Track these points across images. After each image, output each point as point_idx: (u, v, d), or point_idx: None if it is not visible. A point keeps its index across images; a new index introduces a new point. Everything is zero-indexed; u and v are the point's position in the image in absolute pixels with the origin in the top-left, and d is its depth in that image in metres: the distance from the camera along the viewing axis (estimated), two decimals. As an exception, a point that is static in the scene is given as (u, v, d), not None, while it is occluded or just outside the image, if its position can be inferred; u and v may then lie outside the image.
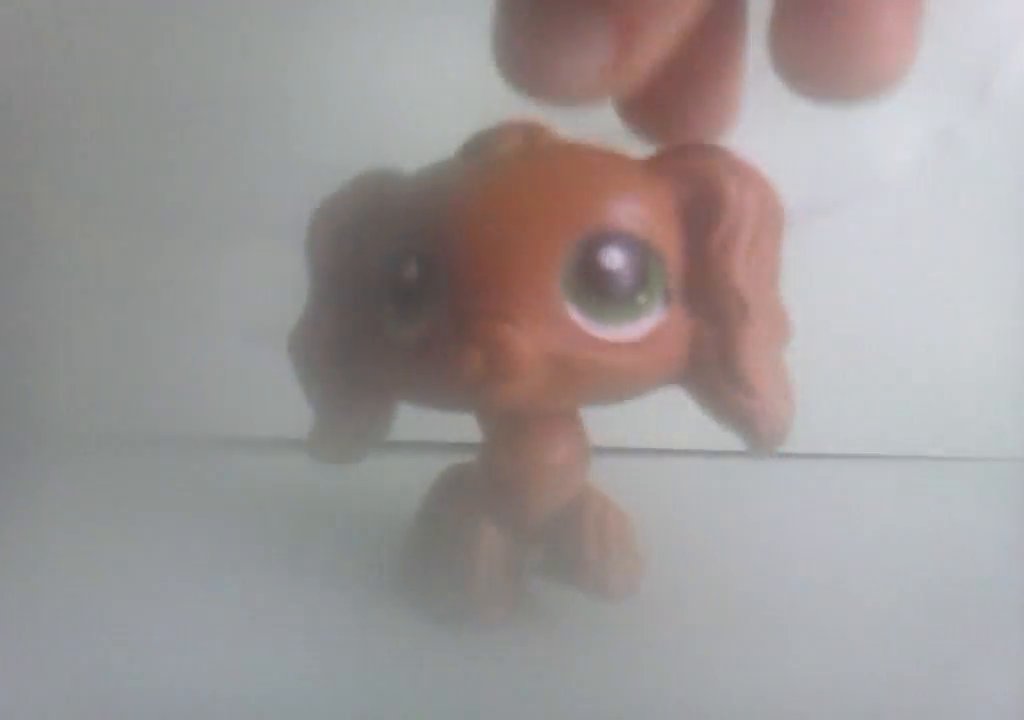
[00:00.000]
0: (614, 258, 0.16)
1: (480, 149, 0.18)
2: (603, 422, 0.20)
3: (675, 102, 0.18)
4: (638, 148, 0.18)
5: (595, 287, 0.16)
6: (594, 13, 0.13)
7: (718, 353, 0.17)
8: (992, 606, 0.23)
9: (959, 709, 0.19)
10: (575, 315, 0.16)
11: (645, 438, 0.34)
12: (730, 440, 0.19)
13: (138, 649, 0.20)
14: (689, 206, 0.18)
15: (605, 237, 0.16)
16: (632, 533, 0.22)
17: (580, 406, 0.19)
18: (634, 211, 0.17)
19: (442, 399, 0.18)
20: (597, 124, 0.18)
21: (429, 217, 0.18)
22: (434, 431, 0.30)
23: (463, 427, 0.21)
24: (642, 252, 0.17)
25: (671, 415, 0.22)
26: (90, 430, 0.35)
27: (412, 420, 0.21)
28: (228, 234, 0.33)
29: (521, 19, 0.14)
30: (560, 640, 0.21)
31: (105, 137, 0.33)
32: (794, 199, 0.18)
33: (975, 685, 0.20)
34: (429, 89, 0.31)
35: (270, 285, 0.22)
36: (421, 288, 0.17)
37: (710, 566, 0.25)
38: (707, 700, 0.19)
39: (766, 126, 0.32)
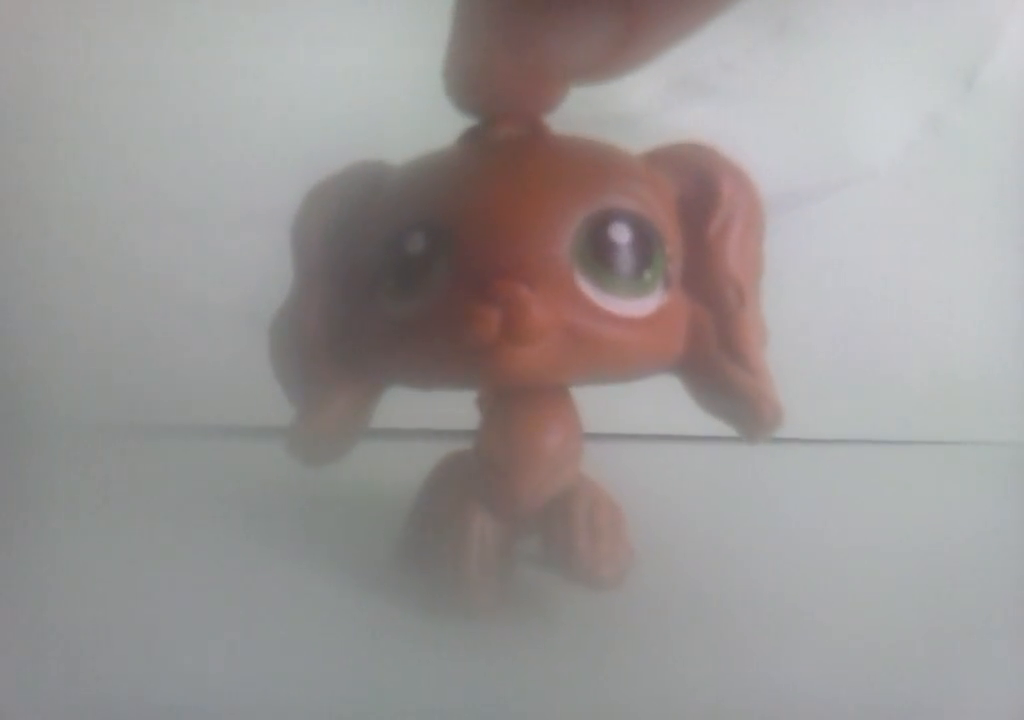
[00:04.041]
0: (624, 233, 0.17)
1: (481, 134, 0.18)
2: (595, 408, 0.20)
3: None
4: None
5: (605, 260, 0.17)
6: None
7: (719, 335, 0.18)
8: (993, 593, 0.23)
9: (959, 700, 0.19)
10: (585, 287, 0.16)
11: (637, 424, 0.34)
12: (723, 426, 0.19)
13: (134, 639, 0.20)
14: (687, 197, 0.18)
15: (614, 213, 0.17)
16: (623, 523, 0.21)
17: (582, 382, 0.19)
18: (640, 193, 0.17)
19: (446, 370, 0.18)
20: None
21: (433, 191, 0.17)
22: (431, 419, 0.30)
23: (459, 415, 0.21)
24: (648, 231, 0.17)
25: (663, 401, 0.22)
26: (88, 418, 0.35)
27: (409, 408, 0.21)
28: (227, 221, 0.33)
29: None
30: (551, 628, 0.21)
31: (101, 128, 0.32)
32: (783, 185, 0.19)
33: (976, 674, 0.20)
34: (417, 80, 0.31)
35: (268, 272, 0.22)
36: (427, 261, 0.17)
37: (702, 553, 0.24)
38: (698, 689, 0.18)
39: (755, 113, 0.32)
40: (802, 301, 0.19)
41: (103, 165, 0.33)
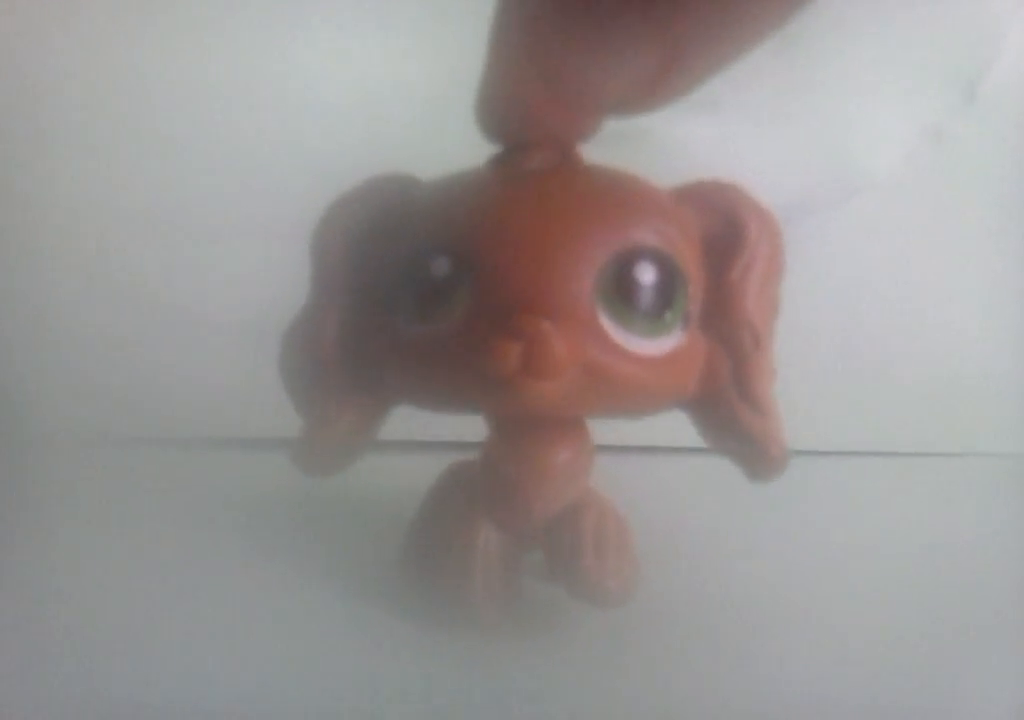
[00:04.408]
0: (648, 273, 0.17)
1: (512, 160, 0.18)
2: (603, 420, 0.20)
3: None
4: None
5: (628, 299, 0.16)
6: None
7: (733, 376, 0.18)
8: (996, 601, 0.23)
9: (960, 705, 0.19)
10: (607, 324, 0.16)
11: (645, 436, 0.34)
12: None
13: (135, 650, 0.20)
14: (711, 236, 0.18)
15: (641, 251, 0.17)
16: (630, 539, 0.21)
17: (598, 415, 0.19)
18: (667, 231, 0.17)
19: (461, 397, 0.18)
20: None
21: (463, 216, 0.17)
22: (436, 430, 0.30)
23: (465, 426, 0.21)
24: (672, 271, 0.17)
25: (670, 412, 0.22)
26: (89, 429, 0.35)
27: (413, 419, 0.21)
28: (227, 233, 0.33)
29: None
30: (556, 643, 0.20)
31: (102, 135, 0.32)
32: (786, 197, 0.19)
33: (977, 680, 0.20)
34: (428, 90, 0.31)
35: (268, 284, 0.22)
36: (451, 285, 0.17)
37: (708, 566, 0.24)
38: (705, 704, 0.18)
39: (757, 126, 0.32)
40: (803, 312, 0.19)
41: (103, 173, 0.33)
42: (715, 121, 0.31)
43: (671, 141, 0.30)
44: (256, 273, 0.32)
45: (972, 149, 0.33)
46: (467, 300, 0.17)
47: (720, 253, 0.18)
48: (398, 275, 0.18)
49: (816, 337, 0.33)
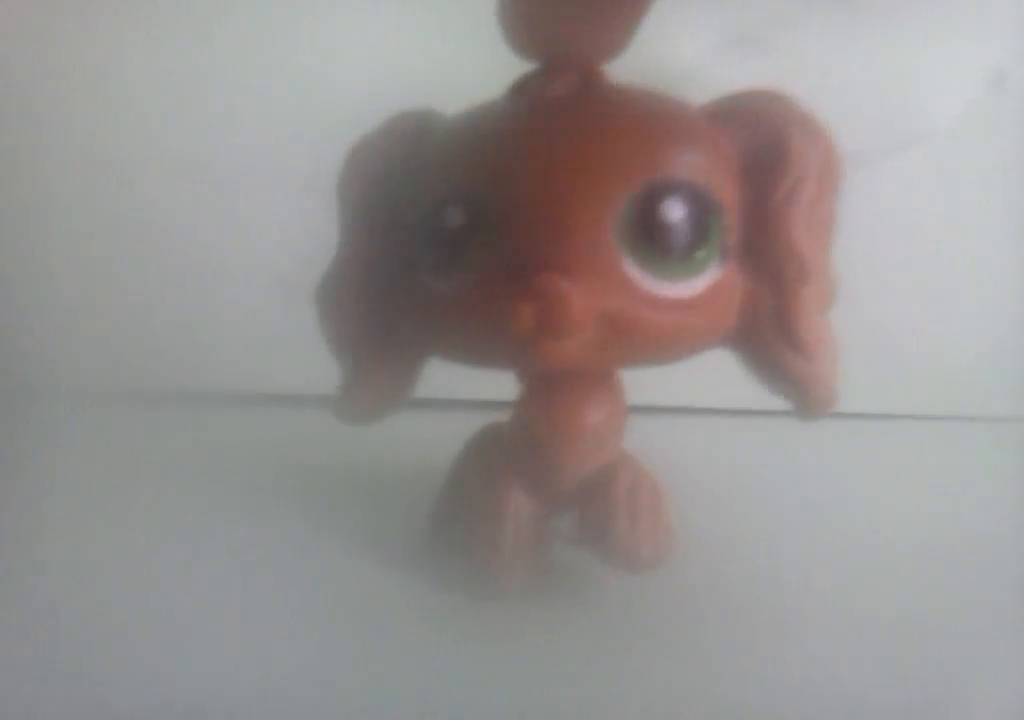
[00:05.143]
0: (675, 210, 0.15)
1: (530, 88, 0.17)
2: (639, 380, 0.19)
3: None
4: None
5: (654, 241, 0.15)
6: None
7: (775, 315, 0.17)
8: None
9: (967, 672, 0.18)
10: (632, 270, 0.15)
11: (681, 397, 0.33)
12: (761, 399, 0.18)
13: (151, 610, 0.20)
14: (751, 157, 0.17)
15: (666, 188, 0.15)
16: (664, 503, 0.20)
17: (626, 366, 0.18)
18: (696, 160, 0.16)
19: (484, 354, 0.17)
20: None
21: (475, 162, 0.16)
22: (467, 389, 0.29)
23: (497, 385, 0.20)
24: (703, 204, 0.16)
25: (706, 373, 0.21)
26: (111, 386, 0.35)
27: (445, 378, 0.20)
28: (248, 185, 0.32)
29: None
30: (585, 609, 0.20)
31: (128, 90, 0.32)
32: (845, 147, 0.17)
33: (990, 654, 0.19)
34: (448, 30, 0.30)
35: (292, 239, 0.21)
36: (465, 236, 0.16)
37: (741, 531, 0.24)
38: (729, 675, 0.18)
39: (810, 70, 0.31)
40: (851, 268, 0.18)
41: (126, 128, 0.32)
42: (766, 64, 0.30)
43: (721, 83, 0.28)
44: (283, 226, 0.31)
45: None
46: (483, 252, 0.16)
47: (762, 173, 0.16)
48: (416, 224, 0.17)
49: (865, 291, 0.31)
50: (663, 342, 0.16)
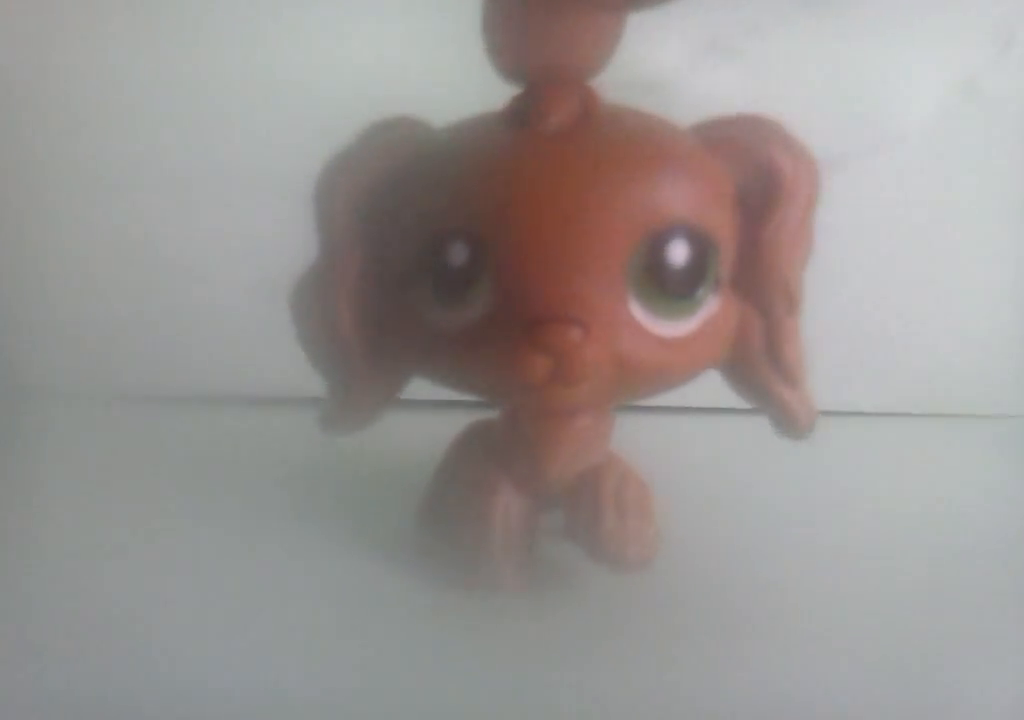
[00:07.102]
0: (681, 254, 0.16)
1: (530, 116, 0.16)
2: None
3: None
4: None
5: (661, 284, 0.16)
6: None
7: (765, 342, 0.18)
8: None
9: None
10: (637, 312, 0.16)
11: (669, 395, 0.33)
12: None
13: (143, 612, 0.20)
14: (744, 188, 0.17)
15: (672, 231, 0.16)
16: (651, 502, 0.21)
17: (628, 402, 0.19)
18: (699, 199, 0.16)
19: (486, 392, 0.18)
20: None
21: (480, 196, 0.16)
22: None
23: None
24: (705, 244, 0.16)
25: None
26: (95, 387, 0.34)
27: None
28: (232, 190, 0.32)
29: None
30: (574, 605, 0.20)
31: (112, 95, 0.32)
32: (819, 151, 0.18)
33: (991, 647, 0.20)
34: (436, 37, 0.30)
35: (275, 242, 0.21)
36: (468, 274, 0.16)
37: (729, 530, 0.24)
38: (718, 672, 0.18)
39: (784, 76, 0.31)
40: (822, 273, 0.18)
41: (113, 132, 0.32)
42: (741, 72, 0.30)
43: (697, 91, 0.29)
44: (266, 230, 0.31)
45: (1006, 103, 0.32)
46: (487, 290, 0.16)
47: (754, 204, 0.17)
48: (412, 251, 0.17)
49: (840, 295, 0.32)
50: (665, 378, 0.17)
